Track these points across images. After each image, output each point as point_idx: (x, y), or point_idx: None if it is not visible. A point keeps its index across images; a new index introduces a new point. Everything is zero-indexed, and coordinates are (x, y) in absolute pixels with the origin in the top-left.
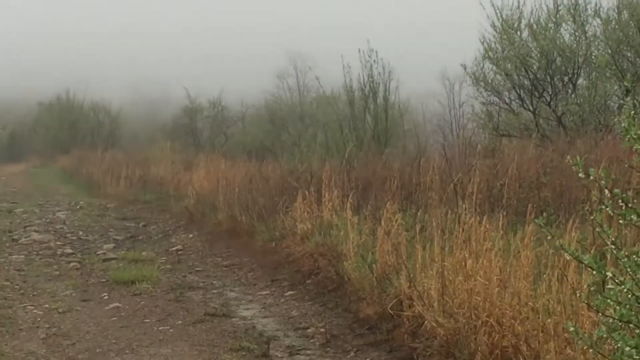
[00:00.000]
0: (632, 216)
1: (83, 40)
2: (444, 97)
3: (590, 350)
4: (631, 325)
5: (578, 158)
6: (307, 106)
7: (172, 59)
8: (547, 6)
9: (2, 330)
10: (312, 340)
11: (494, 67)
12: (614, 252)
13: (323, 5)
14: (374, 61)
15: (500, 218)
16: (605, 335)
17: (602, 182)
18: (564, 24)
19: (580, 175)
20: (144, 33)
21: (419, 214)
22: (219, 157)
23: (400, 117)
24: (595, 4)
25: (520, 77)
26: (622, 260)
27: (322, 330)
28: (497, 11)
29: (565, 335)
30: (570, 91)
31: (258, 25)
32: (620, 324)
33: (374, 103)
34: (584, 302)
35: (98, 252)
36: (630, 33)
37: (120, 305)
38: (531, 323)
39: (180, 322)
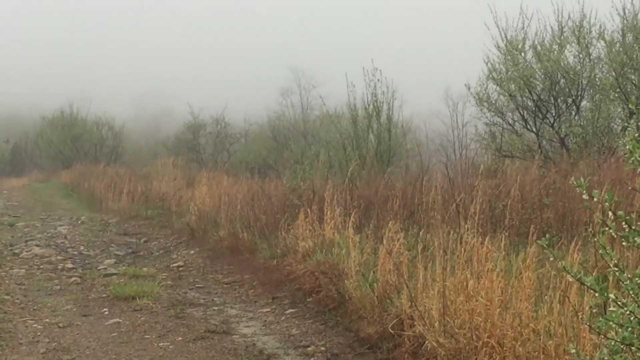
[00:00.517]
0: (636, 238)
1: (87, 56)
2: (447, 117)
3: None
4: (633, 348)
5: (582, 180)
6: (310, 124)
7: (176, 75)
8: (551, 28)
9: (2, 345)
10: (312, 359)
11: (498, 88)
12: (617, 274)
13: (328, 25)
14: (378, 80)
15: (502, 239)
16: (606, 358)
17: (606, 204)
18: (568, 46)
19: (584, 197)
20: (148, 49)
21: (421, 233)
22: (222, 174)
23: (403, 136)
24: (600, 27)
25: (524, 98)
26: (625, 282)
27: (322, 348)
28: (502, 32)
29: (567, 357)
30: (573, 113)
31: (262, 43)
32: (622, 346)
33: (377, 122)
34: (585, 324)
35: (99, 267)
36: (635, 56)
37: (120, 320)
38: (532, 344)
39: (180, 338)
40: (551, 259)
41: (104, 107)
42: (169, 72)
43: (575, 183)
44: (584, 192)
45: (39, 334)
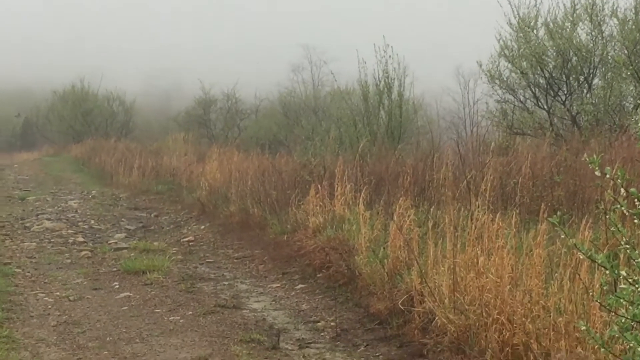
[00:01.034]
0: None
1: (99, 30)
2: (458, 94)
3: (602, 349)
4: None
5: (594, 157)
6: (321, 100)
7: (187, 51)
8: (564, 5)
9: (13, 317)
10: (322, 334)
11: (510, 65)
12: (628, 251)
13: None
14: (389, 56)
15: (513, 216)
16: (617, 335)
17: (618, 181)
18: (580, 24)
19: (596, 173)
20: (159, 24)
21: (431, 210)
22: (232, 149)
23: (414, 113)
24: (613, 4)
25: (536, 76)
26: (636, 260)
27: (332, 324)
28: (514, 9)
29: (577, 334)
30: (585, 91)
31: (274, 18)
32: (632, 323)
33: (388, 98)
34: (596, 301)
35: (109, 242)
36: None
37: (131, 294)
38: (542, 321)
39: (190, 312)
40: (562, 236)
41: (115, 82)
42: (180, 47)
43: (587, 160)
44: (596, 169)
45: (49, 307)
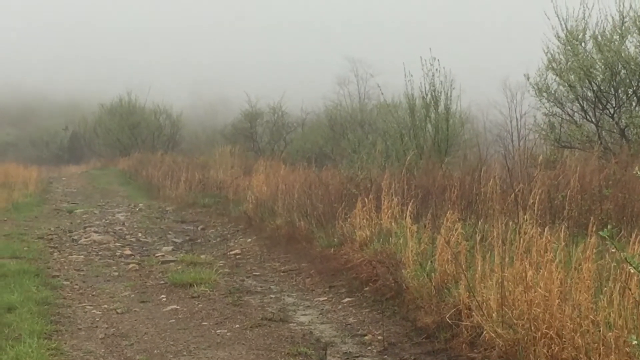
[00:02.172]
0: None
1: (146, 45)
2: (505, 107)
3: None
4: None
5: None
6: (367, 113)
7: (233, 64)
8: (612, 18)
9: (62, 330)
10: (369, 348)
11: (558, 78)
12: None
13: (386, 14)
14: (436, 69)
15: (562, 230)
16: None
17: None
18: (629, 36)
19: None
20: (205, 38)
21: (479, 223)
22: (279, 163)
23: (461, 126)
24: None
25: (584, 89)
26: None
27: (379, 337)
28: (562, 22)
29: (627, 349)
30: (634, 104)
31: (320, 31)
32: None
33: (435, 111)
34: None
35: (157, 254)
36: None
37: (178, 307)
38: (592, 336)
39: (237, 325)
40: (612, 250)
41: (162, 95)
42: (226, 60)
43: (637, 173)
44: None
45: (97, 319)
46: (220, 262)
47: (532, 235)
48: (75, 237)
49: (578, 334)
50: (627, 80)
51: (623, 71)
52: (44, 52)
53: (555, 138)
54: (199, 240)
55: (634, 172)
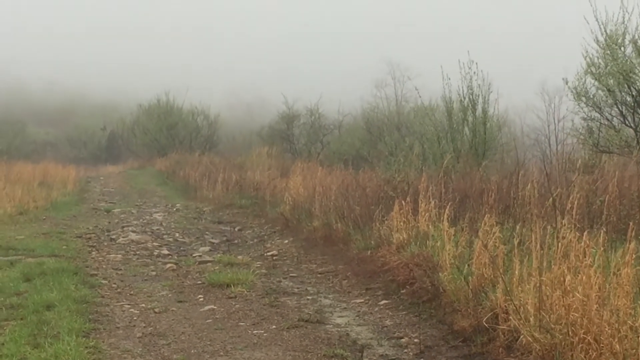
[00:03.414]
0: None
1: (185, 46)
2: (543, 112)
3: None
4: None
5: None
6: (404, 116)
7: (271, 66)
8: None
9: (100, 328)
10: (405, 350)
11: (596, 83)
12: None
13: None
14: (474, 73)
15: (600, 234)
16: None
17: None
18: None
19: None
20: (243, 39)
21: (516, 227)
22: (315, 164)
23: (498, 129)
24: None
25: (623, 93)
26: None
27: (416, 340)
28: (601, 26)
29: None
30: None
31: (358, 34)
32: None
33: (472, 115)
34: None
35: (194, 254)
36: None
37: (215, 307)
38: (630, 342)
39: (274, 326)
40: None
41: (200, 96)
42: (264, 62)
43: None
44: None
45: (135, 318)
46: (257, 263)
47: (570, 239)
48: (113, 237)
49: (616, 340)
50: None
51: None
52: (83, 52)
53: (594, 143)
54: (236, 241)
55: None
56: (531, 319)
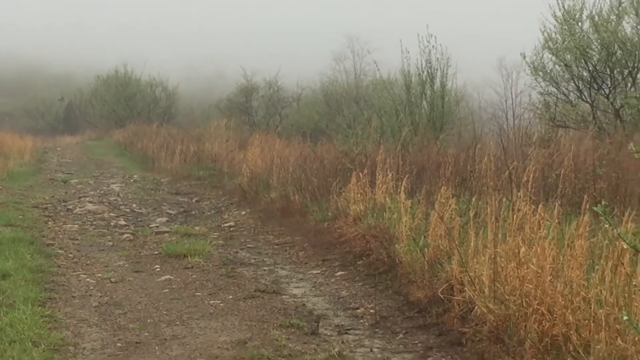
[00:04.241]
0: None
1: (142, 18)
2: (501, 86)
3: None
4: None
5: None
6: (363, 90)
7: (230, 39)
8: None
9: (56, 297)
10: (361, 321)
11: (554, 58)
12: None
13: None
14: (433, 46)
15: (555, 207)
16: None
17: None
18: (626, 17)
19: None
20: (202, 11)
21: (473, 200)
22: (274, 137)
23: (456, 104)
24: None
25: (580, 69)
26: None
27: (371, 311)
28: (559, 1)
29: (617, 326)
30: (629, 84)
31: (317, 7)
32: None
33: (430, 89)
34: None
35: (151, 225)
36: None
37: (172, 277)
38: (583, 313)
39: (231, 297)
40: (604, 227)
41: (158, 68)
42: (223, 35)
43: (633, 150)
44: None
45: (91, 288)
46: (214, 234)
47: (525, 212)
48: (70, 207)
49: (569, 311)
50: (623, 61)
51: (619, 52)
52: (41, 23)
53: (550, 117)
54: (193, 212)
55: (629, 148)
56: (486, 290)
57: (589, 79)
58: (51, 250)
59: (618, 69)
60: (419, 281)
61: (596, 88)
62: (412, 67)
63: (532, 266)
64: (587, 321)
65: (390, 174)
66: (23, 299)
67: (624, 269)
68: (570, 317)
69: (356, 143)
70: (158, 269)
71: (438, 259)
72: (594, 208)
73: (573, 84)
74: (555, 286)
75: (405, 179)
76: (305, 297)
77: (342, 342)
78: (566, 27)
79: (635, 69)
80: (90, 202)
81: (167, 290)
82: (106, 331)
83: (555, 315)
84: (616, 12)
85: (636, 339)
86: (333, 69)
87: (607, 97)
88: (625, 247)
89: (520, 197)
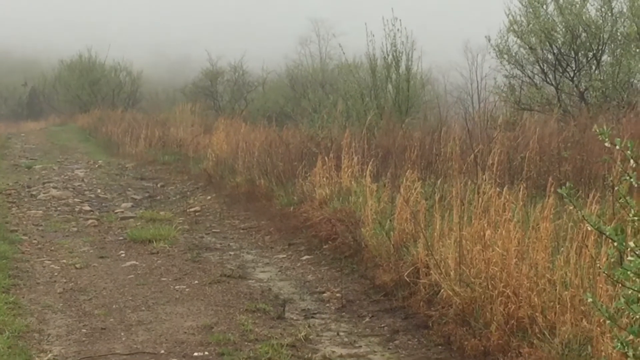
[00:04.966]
0: None
1: (107, 1)
2: (466, 70)
3: (607, 322)
4: None
5: (605, 128)
6: (329, 73)
7: (195, 23)
8: None
9: (20, 284)
10: (327, 305)
11: (518, 41)
12: (636, 224)
13: None
14: (398, 30)
15: (520, 190)
16: (623, 307)
17: (628, 152)
18: (590, 0)
19: (606, 145)
20: None
21: (438, 183)
22: (239, 121)
23: (422, 87)
24: None
25: (544, 52)
26: None
27: (338, 295)
28: None
29: (582, 307)
30: (594, 67)
31: None
32: (639, 295)
33: (396, 72)
34: (604, 272)
35: (116, 211)
36: None
37: (137, 263)
38: (548, 295)
39: (196, 281)
40: (569, 209)
41: (123, 52)
42: (188, 19)
43: (597, 132)
44: (606, 140)
45: (56, 274)
46: (180, 219)
47: (490, 195)
48: (34, 193)
49: (534, 293)
50: (588, 44)
51: (583, 34)
52: (3, 8)
53: (515, 100)
54: (158, 197)
55: (593, 130)
56: (451, 273)
57: (554, 62)
58: (15, 236)
59: (582, 52)
60: (385, 265)
61: (561, 71)
62: (378, 51)
63: (498, 249)
64: (552, 303)
65: (356, 158)
66: None
67: (589, 250)
68: (536, 299)
69: (322, 127)
70: (123, 255)
71: (404, 243)
72: (559, 190)
73: (538, 67)
74: (520, 268)
75: (370, 163)
76: (271, 282)
77: (309, 327)
78: (531, 9)
79: (600, 52)
80: (54, 187)
81: (132, 275)
82: (71, 317)
83: (520, 298)
84: None
85: (601, 320)
86: (298, 52)
87: (572, 80)
88: (589, 229)
89: (485, 180)
